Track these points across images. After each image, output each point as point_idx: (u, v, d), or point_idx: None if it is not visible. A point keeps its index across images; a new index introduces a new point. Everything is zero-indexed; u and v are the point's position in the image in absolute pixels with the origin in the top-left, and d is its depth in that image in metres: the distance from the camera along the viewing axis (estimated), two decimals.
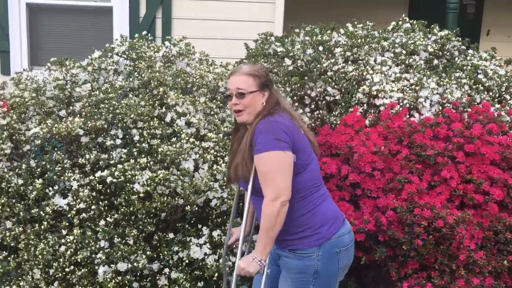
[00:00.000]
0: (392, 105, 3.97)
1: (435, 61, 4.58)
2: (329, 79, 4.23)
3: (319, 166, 3.68)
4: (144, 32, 4.48)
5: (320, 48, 4.49)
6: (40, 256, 3.22)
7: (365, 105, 4.14)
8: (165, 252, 3.38)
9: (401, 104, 4.02)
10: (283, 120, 2.47)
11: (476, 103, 4.13)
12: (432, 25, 4.92)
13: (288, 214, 2.41)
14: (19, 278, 3.32)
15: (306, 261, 2.50)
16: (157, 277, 3.37)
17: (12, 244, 3.36)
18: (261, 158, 2.40)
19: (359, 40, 4.53)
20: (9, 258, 3.34)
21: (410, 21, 5.00)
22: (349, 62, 4.40)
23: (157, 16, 5.68)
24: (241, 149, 2.50)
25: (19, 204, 3.34)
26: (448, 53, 4.74)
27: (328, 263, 2.54)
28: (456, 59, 4.74)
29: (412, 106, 4.05)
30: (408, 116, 3.97)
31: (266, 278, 2.52)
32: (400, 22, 4.98)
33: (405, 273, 3.61)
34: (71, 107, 3.77)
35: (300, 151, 2.48)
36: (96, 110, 3.65)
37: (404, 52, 4.48)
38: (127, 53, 4.17)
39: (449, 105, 4.02)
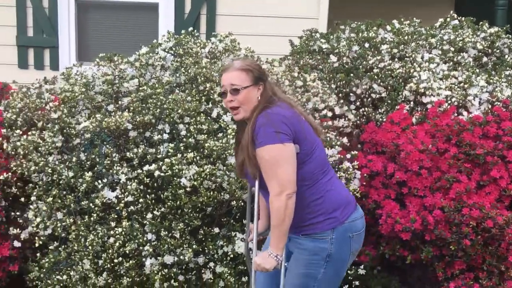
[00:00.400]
0: (440, 103, 3.91)
1: (484, 59, 4.50)
2: (375, 76, 4.20)
3: (365, 164, 3.68)
4: (191, 28, 4.51)
5: (366, 45, 4.47)
6: (90, 247, 3.29)
7: (411, 102, 4.10)
8: (210, 246, 3.41)
9: (449, 102, 3.96)
10: (282, 110, 2.42)
11: None
12: (481, 22, 4.83)
13: (299, 202, 2.38)
14: (69, 268, 3.40)
15: (320, 243, 2.47)
16: (202, 271, 3.41)
17: (63, 235, 3.44)
18: (261, 152, 2.36)
19: (406, 37, 4.48)
20: (60, 249, 3.42)
21: (458, 18, 4.91)
22: (396, 59, 4.37)
23: (201, 12, 5.71)
24: (243, 145, 2.46)
25: (69, 196, 3.41)
26: (498, 51, 4.65)
27: (341, 247, 2.50)
28: (506, 56, 4.64)
29: (460, 104, 3.98)
30: (456, 114, 3.91)
31: (285, 272, 2.50)
32: (448, 19, 4.90)
33: (451, 273, 3.56)
34: (119, 102, 3.83)
35: (303, 140, 2.43)
36: (143, 105, 3.70)
37: (452, 49, 4.41)
38: (174, 49, 4.22)
39: (499, 103, 3.93)
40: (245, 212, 3.50)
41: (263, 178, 2.43)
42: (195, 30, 4.53)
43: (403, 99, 4.11)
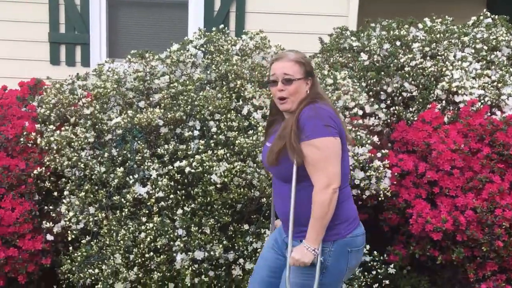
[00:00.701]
0: (473, 102, 3.86)
1: None
2: (406, 75, 4.17)
3: (396, 163, 3.66)
4: (221, 26, 4.52)
5: (397, 43, 4.43)
6: (121, 242, 3.32)
7: (443, 101, 4.05)
8: (240, 243, 3.42)
9: (482, 101, 3.90)
10: (327, 107, 2.43)
11: None
12: None
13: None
14: (100, 262, 3.44)
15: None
16: (232, 267, 3.42)
17: (95, 229, 3.48)
18: (311, 145, 2.34)
19: (438, 35, 4.42)
20: (91, 243, 3.46)
21: (492, 16, 4.83)
22: (427, 58, 4.32)
23: (231, 10, 5.72)
24: (283, 135, 2.41)
25: (101, 191, 3.45)
26: None
27: (338, 260, 2.47)
28: None
29: (493, 104, 3.93)
30: (489, 114, 3.86)
31: (320, 268, 2.43)
32: (481, 17, 4.83)
33: (483, 274, 3.52)
34: (150, 99, 3.86)
35: (343, 140, 2.44)
36: (174, 101, 3.73)
37: (485, 48, 4.35)
38: (205, 46, 4.24)
39: None
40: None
41: (285, 171, 2.41)
42: (226, 28, 4.54)
43: (434, 98, 4.07)
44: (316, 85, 2.53)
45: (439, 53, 4.32)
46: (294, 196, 2.43)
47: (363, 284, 3.48)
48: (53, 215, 3.64)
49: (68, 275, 3.52)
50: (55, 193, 3.65)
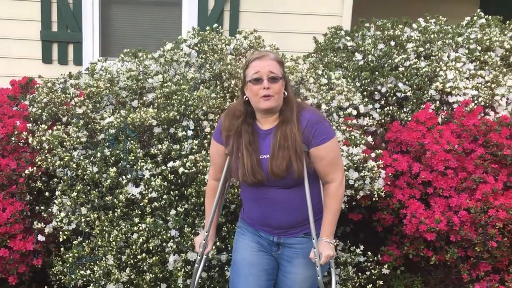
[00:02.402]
0: (467, 102, 3.86)
1: None
2: (401, 75, 4.16)
3: (390, 163, 3.65)
4: (216, 25, 4.50)
5: (392, 43, 4.42)
6: (113, 243, 3.29)
7: (437, 102, 4.04)
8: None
9: (476, 101, 3.90)
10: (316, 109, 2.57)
11: None
12: (509, 21, 4.76)
13: (318, 196, 2.55)
14: (92, 263, 3.41)
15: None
16: (225, 268, 3.40)
17: (87, 230, 3.45)
18: (329, 146, 2.46)
19: (432, 36, 4.42)
20: (83, 244, 3.43)
21: (485, 17, 4.84)
22: (422, 58, 4.32)
23: (225, 9, 5.71)
24: (288, 145, 2.42)
25: (94, 191, 3.42)
26: None
27: None
28: None
29: (487, 104, 3.93)
30: (483, 114, 3.86)
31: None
32: (475, 17, 4.83)
33: (477, 275, 3.52)
34: (143, 98, 3.84)
35: None
36: (168, 101, 3.70)
37: (479, 48, 4.35)
38: (199, 45, 4.21)
39: None
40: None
41: (312, 173, 2.50)
42: (220, 27, 4.52)
43: (428, 98, 4.06)
44: (288, 87, 2.54)
45: (433, 54, 4.32)
46: (310, 198, 2.50)
47: (357, 284, 3.47)
48: (45, 215, 3.60)
49: (60, 276, 3.49)
50: (47, 193, 3.62)
